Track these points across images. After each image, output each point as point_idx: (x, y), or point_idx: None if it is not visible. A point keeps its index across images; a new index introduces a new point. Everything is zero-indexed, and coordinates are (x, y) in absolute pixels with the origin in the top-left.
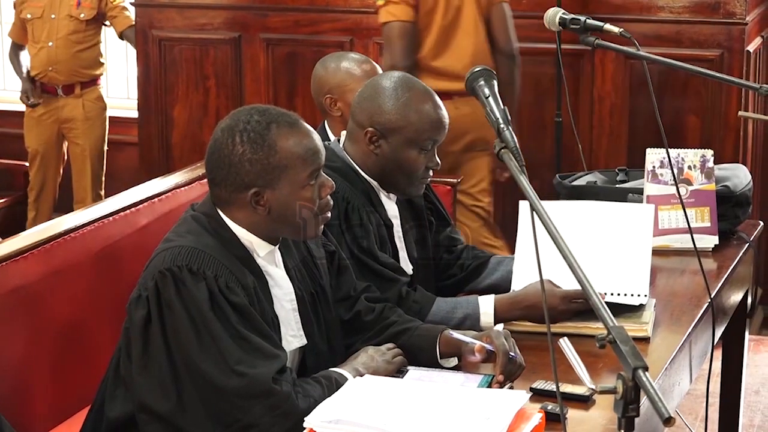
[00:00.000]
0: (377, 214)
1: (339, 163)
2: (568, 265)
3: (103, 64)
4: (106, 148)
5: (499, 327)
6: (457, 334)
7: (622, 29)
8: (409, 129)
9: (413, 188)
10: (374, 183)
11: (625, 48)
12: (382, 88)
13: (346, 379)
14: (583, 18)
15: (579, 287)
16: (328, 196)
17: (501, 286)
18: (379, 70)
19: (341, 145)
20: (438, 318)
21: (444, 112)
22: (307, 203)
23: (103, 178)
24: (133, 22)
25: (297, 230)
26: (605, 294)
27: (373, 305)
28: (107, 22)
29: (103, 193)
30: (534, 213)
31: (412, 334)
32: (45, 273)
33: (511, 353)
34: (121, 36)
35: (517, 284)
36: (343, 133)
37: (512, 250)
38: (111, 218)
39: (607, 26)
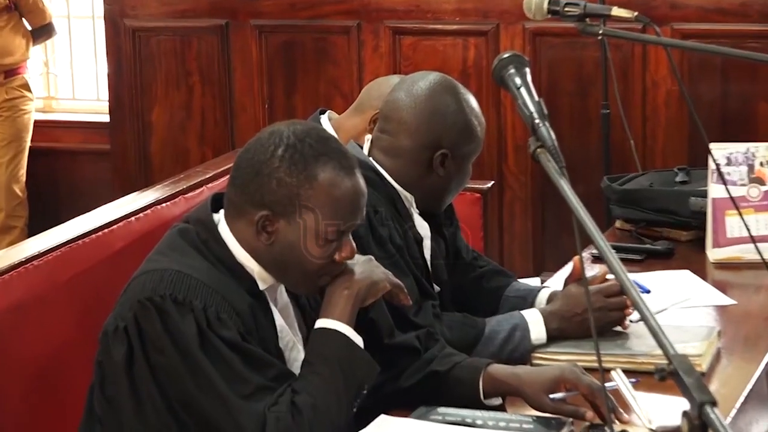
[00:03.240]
0: (407, 228)
1: (366, 171)
2: (619, 280)
3: (27, 51)
4: (28, 146)
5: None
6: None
7: (637, 14)
8: (477, 142)
9: (447, 202)
10: (408, 195)
11: (641, 35)
12: (443, 102)
13: (341, 335)
14: (582, 2)
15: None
16: (345, 261)
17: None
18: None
19: (365, 151)
20: (485, 333)
21: None
22: (312, 257)
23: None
24: (48, 21)
25: (288, 280)
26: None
27: (414, 345)
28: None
29: (23, 195)
30: (579, 225)
31: (454, 367)
32: (6, 308)
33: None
34: (35, 34)
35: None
36: (367, 137)
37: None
38: (80, 242)
39: (617, 10)
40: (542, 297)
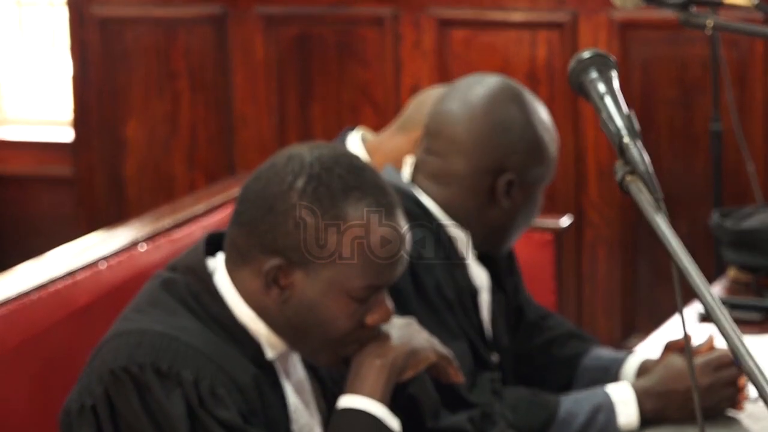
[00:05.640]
0: (459, 277)
1: (407, 202)
2: (732, 347)
3: None
4: None
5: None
6: None
7: (758, 0)
8: (549, 164)
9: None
10: (462, 234)
11: (763, 29)
12: (506, 112)
13: (371, 417)
14: None
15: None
16: (379, 326)
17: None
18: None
19: (407, 178)
20: (560, 415)
21: None
22: (337, 320)
23: None
24: None
25: (304, 348)
26: None
27: (466, 429)
28: None
29: None
30: (679, 274)
31: None
32: None
33: None
34: None
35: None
36: (406, 159)
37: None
38: (33, 296)
39: None
40: (630, 367)
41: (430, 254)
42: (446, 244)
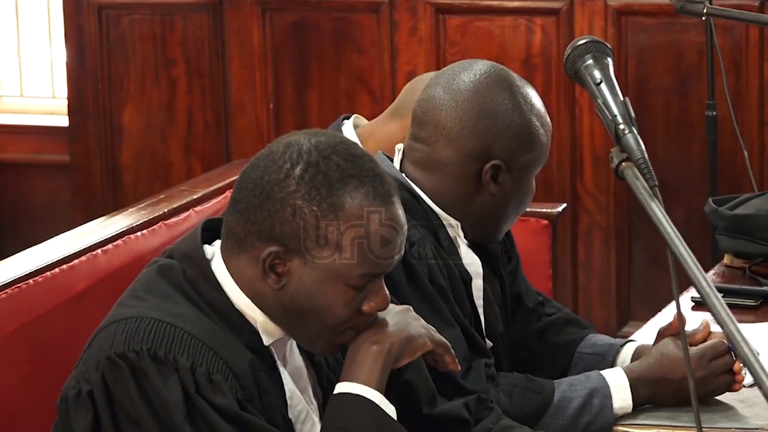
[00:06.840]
0: (453, 264)
1: (400, 191)
2: (727, 334)
3: None
4: None
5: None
6: None
7: None
8: (540, 149)
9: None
10: (453, 221)
11: (759, 15)
12: (493, 98)
13: (368, 402)
14: None
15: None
16: (376, 313)
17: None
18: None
19: (397, 166)
20: (555, 400)
21: None
22: (334, 307)
23: None
24: None
25: (301, 335)
26: None
27: (461, 415)
28: None
29: None
30: (675, 261)
31: None
32: None
33: None
34: None
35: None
36: (398, 147)
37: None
38: (31, 281)
39: None
40: (626, 354)
41: (429, 254)
42: (438, 231)
